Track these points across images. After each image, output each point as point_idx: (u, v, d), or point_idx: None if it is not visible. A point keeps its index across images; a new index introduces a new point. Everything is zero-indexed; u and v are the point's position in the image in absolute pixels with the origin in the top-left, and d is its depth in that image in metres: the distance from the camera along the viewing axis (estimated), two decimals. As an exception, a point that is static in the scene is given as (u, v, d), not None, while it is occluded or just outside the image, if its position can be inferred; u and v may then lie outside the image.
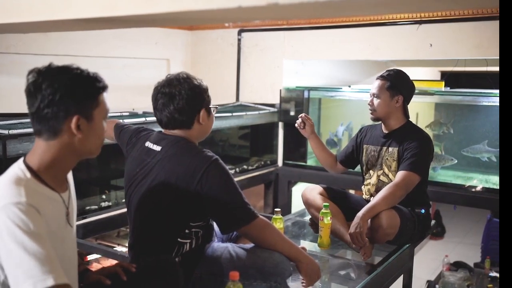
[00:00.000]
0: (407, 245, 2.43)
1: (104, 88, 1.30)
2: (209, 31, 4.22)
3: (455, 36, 3.23)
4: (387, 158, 2.47)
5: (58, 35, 3.18)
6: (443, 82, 3.55)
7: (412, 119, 2.57)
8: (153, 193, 1.71)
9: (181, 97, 1.71)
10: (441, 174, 3.56)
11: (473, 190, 3.24)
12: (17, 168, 1.23)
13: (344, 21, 3.60)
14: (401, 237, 2.32)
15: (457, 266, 3.93)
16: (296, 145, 4.04)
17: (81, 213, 2.69)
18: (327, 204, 2.33)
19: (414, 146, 2.37)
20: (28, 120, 1.26)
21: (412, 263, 2.55)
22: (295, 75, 4.05)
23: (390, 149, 2.47)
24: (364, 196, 2.60)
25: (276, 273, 1.71)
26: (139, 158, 1.80)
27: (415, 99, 2.56)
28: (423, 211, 2.46)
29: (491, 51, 3.11)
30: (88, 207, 2.79)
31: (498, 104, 3.19)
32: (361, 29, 3.56)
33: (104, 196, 3.03)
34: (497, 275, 3.66)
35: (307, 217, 2.85)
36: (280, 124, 4.02)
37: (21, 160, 1.27)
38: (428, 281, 3.66)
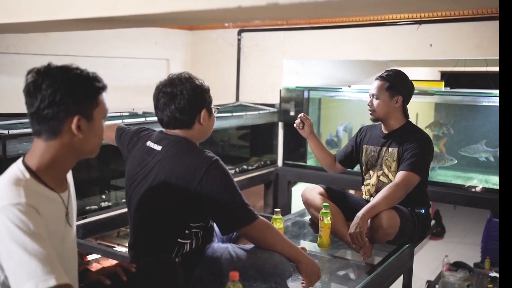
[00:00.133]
0: (407, 245, 2.43)
1: (103, 88, 1.30)
2: (209, 31, 4.22)
3: (455, 36, 3.23)
4: (387, 159, 2.47)
5: (58, 35, 3.18)
6: (443, 82, 3.55)
7: (412, 119, 2.57)
8: (153, 193, 1.71)
9: (182, 96, 1.71)
10: (441, 174, 3.57)
11: (473, 190, 3.24)
12: (16, 169, 1.23)
13: (344, 21, 3.60)
14: (401, 237, 2.32)
15: (457, 266, 3.93)
16: (296, 145, 4.04)
17: (81, 213, 2.69)
18: (327, 204, 2.33)
19: (414, 146, 2.37)
20: (28, 120, 1.26)
21: (412, 263, 2.55)
22: (295, 75, 4.05)
23: (390, 149, 2.47)
24: (364, 196, 2.60)
25: (276, 273, 1.70)
26: (140, 157, 1.80)
27: (415, 99, 2.56)
28: (423, 211, 2.46)
29: (491, 51, 3.11)
30: (88, 207, 2.78)
31: (498, 104, 3.19)
32: (361, 29, 3.56)
33: (104, 196, 3.03)
34: (497, 275, 3.66)
35: (307, 217, 2.85)
36: (280, 124, 4.02)
37: (20, 161, 1.27)
38: (428, 281, 3.66)
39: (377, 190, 2.44)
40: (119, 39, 3.60)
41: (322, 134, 4.21)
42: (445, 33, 3.26)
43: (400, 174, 2.34)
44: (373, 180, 2.53)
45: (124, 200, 2.84)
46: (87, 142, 1.28)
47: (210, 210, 1.68)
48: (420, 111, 4.00)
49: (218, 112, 1.94)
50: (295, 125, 2.63)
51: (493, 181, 3.37)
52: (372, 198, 2.43)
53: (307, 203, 2.56)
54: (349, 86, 3.89)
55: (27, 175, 1.22)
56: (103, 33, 3.42)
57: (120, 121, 2.79)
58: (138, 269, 1.57)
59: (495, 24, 3.02)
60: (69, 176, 1.40)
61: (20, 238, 1.09)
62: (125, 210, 1.90)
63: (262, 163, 4.00)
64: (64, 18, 1.63)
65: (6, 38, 2.95)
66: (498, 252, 2.90)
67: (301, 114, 2.61)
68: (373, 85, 2.47)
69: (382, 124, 2.53)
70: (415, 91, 2.54)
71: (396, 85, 2.43)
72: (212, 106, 1.82)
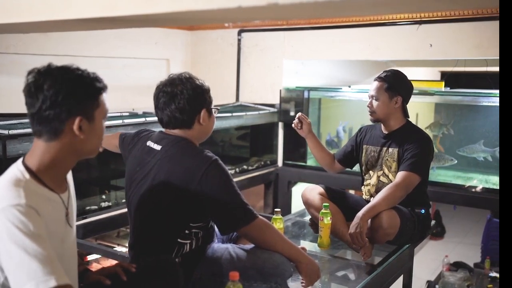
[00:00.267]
0: (407, 245, 2.43)
1: (104, 88, 1.30)
2: (209, 31, 4.22)
3: (455, 36, 3.23)
4: (387, 159, 2.47)
5: (58, 35, 3.18)
6: (443, 82, 3.56)
7: (412, 119, 2.57)
8: (152, 193, 1.71)
9: (182, 96, 1.71)
10: (441, 174, 3.57)
11: (473, 190, 3.24)
12: (16, 169, 1.23)
13: (344, 21, 3.60)
14: (401, 237, 2.32)
15: (457, 266, 3.93)
16: (296, 145, 4.04)
17: (81, 213, 2.69)
18: (327, 204, 2.33)
19: (414, 146, 2.37)
20: (28, 120, 1.25)
21: (412, 263, 2.55)
22: (295, 75, 4.05)
23: (390, 149, 2.47)
24: (364, 197, 2.60)
25: (276, 274, 1.70)
26: (140, 157, 1.80)
27: (415, 100, 2.56)
28: (423, 211, 2.46)
29: (491, 51, 3.11)
30: (88, 207, 2.78)
31: (497, 104, 3.19)
32: (361, 29, 3.56)
33: (104, 196, 3.03)
34: (497, 275, 3.66)
35: (307, 217, 2.85)
36: (280, 124, 4.02)
37: (20, 161, 1.26)
38: (428, 281, 3.66)
39: (377, 190, 2.44)
40: (119, 39, 3.60)
41: (322, 134, 4.21)
42: (445, 33, 3.26)
43: (400, 174, 2.34)
44: (373, 180, 2.53)
45: (124, 200, 2.84)
46: (88, 142, 1.28)
47: (210, 210, 1.68)
48: (420, 111, 4.00)
49: (218, 112, 1.94)
50: (293, 125, 2.63)
51: (493, 181, 3.38)
52: (372, 198, 2.43)
53: (307, 203, 2.56)
54: (349, 86, 3.89)
55: (27, 175, 1.21)
56: (103, 33, 3.42)
57: (120, 121, 2.79)
58: (138, 269, 1.57)
59: (495, 24, 3.02)
60: (69, 176, 1.40)
61: (20, 239, 1.09)
62: (125, 210, 1.90)
63: (262, 163, 4.00)
64: (64, 18, 1.63)
65: (6, 38, 2.95)
66: (498, 252, 2.90)
67: (299, 114, 2.61)
68: (372, 87, 2.47)
69: (382, 124, 2.53)
70: (415, 91, 2.54)
71: (395, 85, 2.43)
72: (212, 107, 1.82)
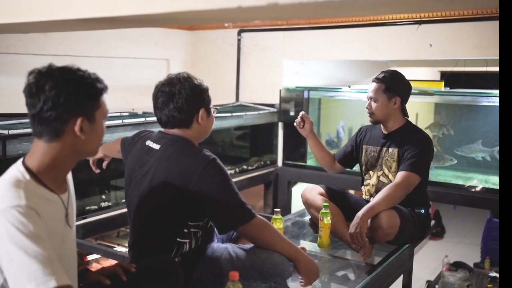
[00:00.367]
0: (407, 245, 2.43)
1: (104, 89, 1.30)
2: (209, 31, 4.22)
3: (455, 36, 3.23)
4: (387, 159, 2.47)
5: (58, 35, 3.18)
6: (443, 82, 3.56)
7: (412, 119, 2.57)
8: (151, 193, 1.71)
9: (180, 96, 1.71)
10: (441, 174, 3.57)
11: (473, 190, 3.24)
12: (16, 170, 1.23)
13: (344, 21, 3.60)
14: (401, 237, 2.32)
15: (457, 266, 3.93)
16: (296, 145, 4.04)
17: (81, 213, 2.69)
18: (327, 204, 2.33)
19: (414, 146, 2.37)
20: (28, 120, 1.25)
21: (412, 263, 2.55)
22: (295, 75, 4.05)
23: (390, 149, 2.47)
24: (364, 197, 2.60)
25: (276, 273, 1.71)
26: (140, 156, 1.80)
27: (415, 100, 2.57)
28: (423, 211, 2.47)
29: (491, 51, 3.11)
30: (88, 207, 2.78)
31: (497, 104, 3.19)
32: (361, 29, 3.56)
33: (104, 196, 3.03)
34: (497, 275, 3.66)
35: (307, 217, 2.85)
36: (280, 124, 4.02)
37: (20, 162, 1.26)
38: (428, 281, 3.66)
39: (377, 191, 2.44)
40: (119, 39, 3.60)
41: (322, 134, 4.21)
42: (445, 33, 3.26)
43: (400, 174, 2.34)
44: (373, 181, 2.53)
45: (123, 200, 2.84)
46: (88, 143, 1.28)
47: (208, 209, 1.68)
48: (420, 111, 4.00)
49: (218, 112, 1.94)
50: (295, 123, 2.63)
51: (493, 181, 3.38)
52: (372, 198, 2.43)
53: (307, 203, 2.56)
54: (349, 86, 3.89)
55: (27, 176, 1.21)
56: (103, 33, 3.42)
57: (120, 121, 2.79)
58: (138, 269, 1.57)
59: (495, 24, 3.02)
60: (69, 177, 1.40)
61: (20, 240, 1.09)
62: (125, 210, 1.90)
63: (262, 163, 4.00)
64: (64, 18, 1.63)
65: (6, 38, 2.95)
66: (498, 252, 2.91)
67: (302, 113, 2.61)
68: (370, 88, 2.47)
69: (381, 125, 2.53)
70: (415, 91, 2.54)
71: (393, 86, 2.42)
72: (211, 106, 1.82)
